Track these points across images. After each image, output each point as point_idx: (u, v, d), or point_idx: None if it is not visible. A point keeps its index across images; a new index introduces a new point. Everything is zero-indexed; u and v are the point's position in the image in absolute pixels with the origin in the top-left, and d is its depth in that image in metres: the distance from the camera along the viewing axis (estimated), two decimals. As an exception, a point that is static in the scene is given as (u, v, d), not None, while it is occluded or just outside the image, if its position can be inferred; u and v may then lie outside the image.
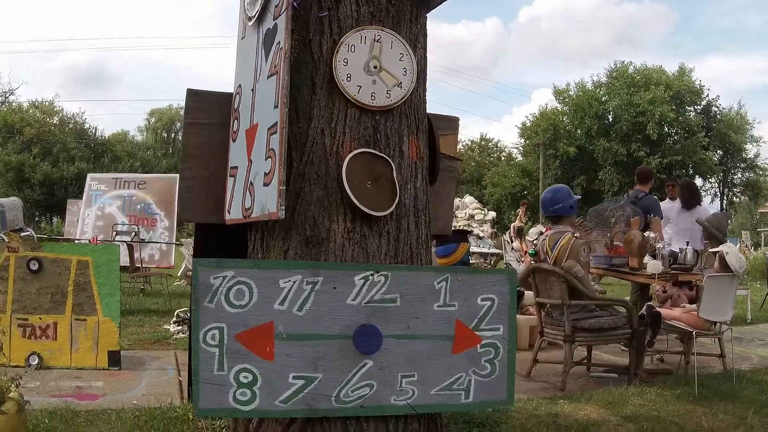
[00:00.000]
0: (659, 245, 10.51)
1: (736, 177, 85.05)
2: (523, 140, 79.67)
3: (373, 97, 4.52)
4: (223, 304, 4.30)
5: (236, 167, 4.99)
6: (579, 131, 72.90)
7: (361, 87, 4.50)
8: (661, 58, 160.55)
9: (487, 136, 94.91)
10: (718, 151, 77.26)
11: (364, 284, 4.44)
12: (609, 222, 10.67)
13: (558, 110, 76.33)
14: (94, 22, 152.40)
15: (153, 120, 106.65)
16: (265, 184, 4.33)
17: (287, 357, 4.37)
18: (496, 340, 4.83)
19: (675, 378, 8.93)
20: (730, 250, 9.04)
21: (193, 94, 5.42)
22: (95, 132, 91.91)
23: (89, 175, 19.84)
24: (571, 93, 76.10)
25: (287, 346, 4.37)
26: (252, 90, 4.84)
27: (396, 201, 4.56)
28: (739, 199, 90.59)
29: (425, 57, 5.02)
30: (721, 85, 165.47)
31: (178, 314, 11.55)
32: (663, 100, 66.94)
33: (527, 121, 77.60)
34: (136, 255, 15.85)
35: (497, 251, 32.05)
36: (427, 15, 5.06)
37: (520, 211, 24.11)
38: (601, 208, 11.31)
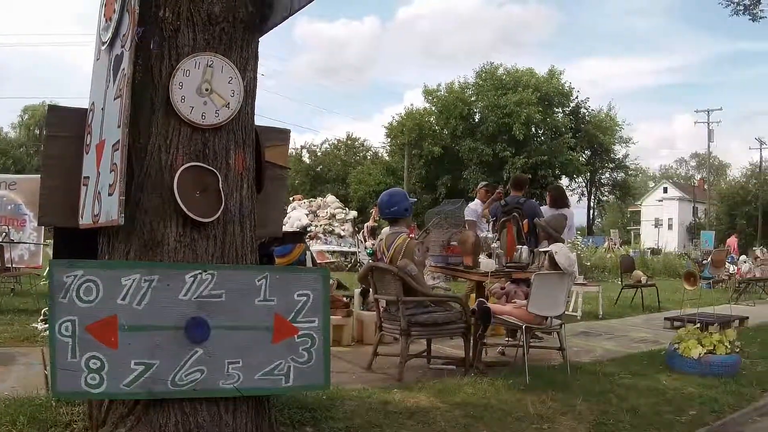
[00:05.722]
0: (494, 245, 11.32)
1: (604, 177, 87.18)
2: (389, 140, 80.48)
3: (203, 117, 5.22)
4: (75, 299, 4.97)
5: (88, 177, 5.62)
6: (445, 131, 73.95)
7: (193, 108, 5.20)
8: (542, 60, 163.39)
9: (354, 136, 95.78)
10: (586, 152, 79.14)
11: (193, 282, 5.17)
12: (446, 222, 11.44)
13: (425, 110, 77.27)
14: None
15: (26, 117, 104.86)
16: (110, 194, 5.03)
17: (129, 346, 5.04)
18: (312, 332, 5.59)
19: (511, 369, 9.54)
20: (559, 249, 9.64)
21: (52, 109, 6.10)
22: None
23: (-39, 175, 19.98)
24: (440, 93, 77.16)
25: (129, 336, 5.04)
26: (102, 109, 5.50)
27: (222, 208, 5.30)
28: (607, 198, 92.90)
29: (255, 78, 5.72)
30: (598, 87, 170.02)
31: (44, 313, 11.89)
32: (530, 101, 68.29)
33: (394, 121, 78.47)
34: (6, 256, 16.15)
35: (358, 250, 32.81)
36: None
37: (374, 211, 24.82)
38: (439, 210, 12.13)
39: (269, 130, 6.49)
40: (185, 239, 5.28)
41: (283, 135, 6.75)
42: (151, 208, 5.21)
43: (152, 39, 5.28)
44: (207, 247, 5.36)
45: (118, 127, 4.98)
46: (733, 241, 42.11)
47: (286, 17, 5.52)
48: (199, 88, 5.24)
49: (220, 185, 5.31)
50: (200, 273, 5.21)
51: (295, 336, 5.55)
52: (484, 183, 15.46)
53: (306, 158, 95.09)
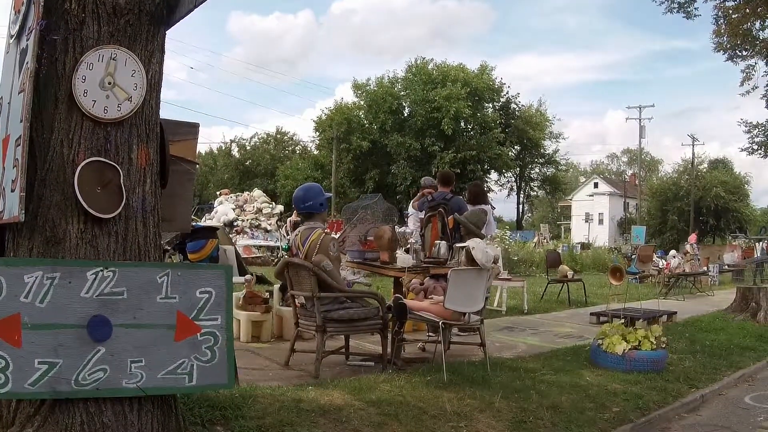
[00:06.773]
0: (412, 240, 11.39)
1: (533, 172, 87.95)
2: (317, 134, 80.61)
3: (105, 111, 5.21)
4: (-22, 297, 4.92)
5: (-6, 172, 5.58)
6: (374, 125, 74.15)
7: (95, 101, 5.18)
8: (476, 55, 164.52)
9: (284, 130, 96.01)
10: (515, 147, 79.83)
11: (95, 279, 5.15)
12: (364, 218, 11.49)
13: (354, 104, 77.48)
14: None
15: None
16: (12, 190, 5.03)
17: (32, 344, 4.99)
18: (215, 329, 5.59)
19: (430, 366, 9.63)
20: (476, 245, 9.66)
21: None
22: None
23: None
24: (369, 88, 77.38)
25: (32, 334, 4.99)
26: (8, 103, 5.49)
27: (123, 204, 5.30)
28: (537, 193, 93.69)
29: (160, 71, 5.70)
30: (531, 83, 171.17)
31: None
32: (459, 96, 68.72)
33: (323, 115, 78.58)
34: None
35: (281, 244, 32.87)
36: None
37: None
38: (356, 205, 12.17)
39: (177, 124, 6.51)
40: (87, 236, 5.26)
41: (191, 129, 6.76)
42: (53, 204, 5.19)
43: (59, 29, 5.27)
44: (108, 243, 5.34)
45: (21, 121, 4.98)
46: (692, 237, 43.74)
47: (192, 9, 5.54)
48: (102, 81, 5.23)
49: (122, 180, 5.31)
50: (102, 270, 5.19)
51: (198, 334, 5.54)
52: (429, 181, 15.24)
53: (235, 152, 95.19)
